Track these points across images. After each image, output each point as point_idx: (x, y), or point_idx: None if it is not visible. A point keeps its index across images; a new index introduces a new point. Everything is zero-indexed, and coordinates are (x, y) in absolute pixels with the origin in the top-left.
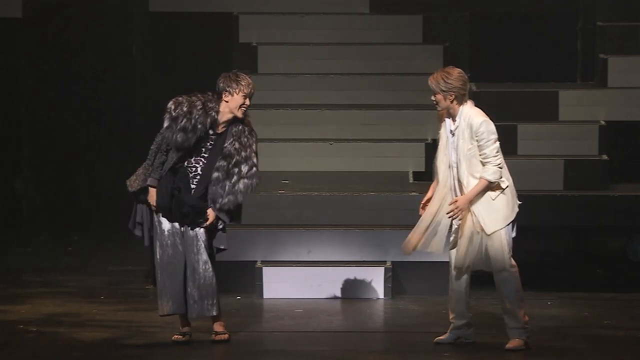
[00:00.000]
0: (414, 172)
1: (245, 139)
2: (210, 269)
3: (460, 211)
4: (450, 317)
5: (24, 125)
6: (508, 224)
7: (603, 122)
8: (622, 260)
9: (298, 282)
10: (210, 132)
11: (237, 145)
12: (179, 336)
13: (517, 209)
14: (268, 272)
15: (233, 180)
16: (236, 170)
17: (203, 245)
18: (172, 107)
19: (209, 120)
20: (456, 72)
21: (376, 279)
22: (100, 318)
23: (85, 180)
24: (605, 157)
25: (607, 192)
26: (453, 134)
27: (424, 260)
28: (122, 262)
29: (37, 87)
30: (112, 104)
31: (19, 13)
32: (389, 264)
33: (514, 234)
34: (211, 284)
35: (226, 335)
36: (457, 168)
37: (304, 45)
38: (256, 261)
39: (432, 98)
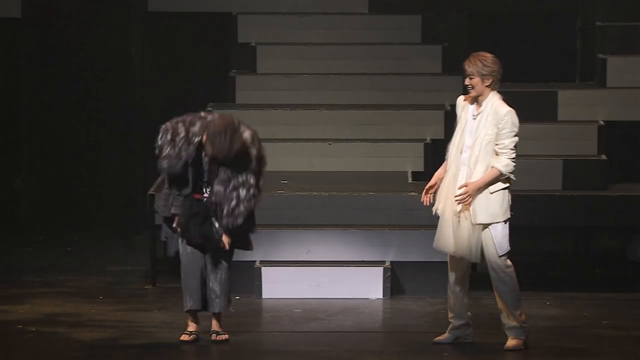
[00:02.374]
0: (412, 172)
1: (239, 162)
2: (227, 267)
3: (469, 196)
4: (449, 316)
5: (24, 125)
6: (497, 223)
7: (602, 122)
8: (621, 260)
9: (297, 282)
10: (205, 157)
11: (229, 172)
12: (186, 336)
13: (509, 214)
14: (267, 272)
15: (232, 204)
16: (235, 194)
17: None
18: (159, 135)
19: (191, 147)
20: (490, 55)
21: (375, 279)
22: (100, 318)
23: (85, 181)
24: (604, 157)
25: (606, 192)
26: (474, 118)
27: (423, 260)
28: (122, 262)
29: (37, 87)
30: (112, 104)
31: (18, 13)
32: (387, 264)
33: (506, 249)
34: (227, 280)
35: (225, 335)
36: (470, 151)
37: (303, 45)
38: (255, 261)
39: (468, 82)
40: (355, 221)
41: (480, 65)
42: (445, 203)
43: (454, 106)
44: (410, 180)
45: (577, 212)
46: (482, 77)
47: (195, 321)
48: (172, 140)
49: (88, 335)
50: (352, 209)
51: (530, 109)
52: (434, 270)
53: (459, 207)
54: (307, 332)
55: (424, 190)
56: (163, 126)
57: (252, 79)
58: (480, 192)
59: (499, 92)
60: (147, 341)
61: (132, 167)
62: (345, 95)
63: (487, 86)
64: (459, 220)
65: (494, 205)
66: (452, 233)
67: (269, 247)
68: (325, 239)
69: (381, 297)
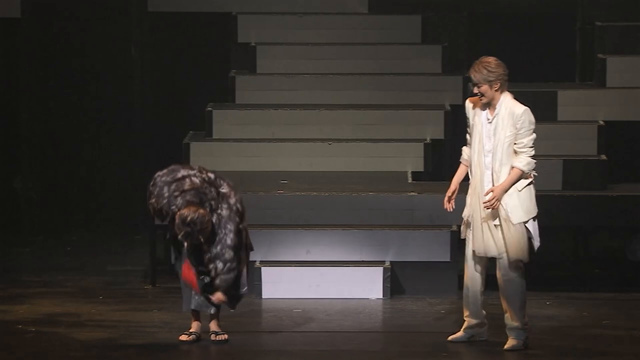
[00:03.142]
0: (412, 172)
1: (214, 236)
2: None
3: (497, 201)
4: (465, 314)
5: (24, 125)
6: (530, 220)
7: (602, 122)
8: (621, 260)
9: (297, 282)
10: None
11: (204, 246)
12: (185, 336)
13: (537, 209)
14: (267, 272)
15: (212, 274)
16: (212, 266)
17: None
18: (150, 182)
19: (170, 214)
20: (493, 59)
21: (375, 279)
22: (99, 318)
23: (85, 180)
24: (604, 157)
25: (605, 192)
26: (490, 122)
27: (423, 260)
28: (121, 262)
29: (37, 87)
30: (112, 104)
31: (18, 13)
32: (387, 264)
33: (538, 243)
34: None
35: (225, 336)
36: (492, 156)
37: (303, 45)
38: (255, 261)
39: (476, 90)
40: (355, 221)
41: (485, 73)
42: (473, 208)
43: (454, 106)
44: (410, 180)
45: (577, 212)
46: (490, 83)
47: (197, 321)
48: (158, 196)
49: (88, 335)
50: (352, 209)
51: (530, 109)
52: (434, 270)
53: (488, 212)
54: (307, 332)
55: (446, 198)
56: (154, 177)
57: (252, 79)
58: (509, 193)
59: (510, 91)
60: (146, 341)
61: (132, 167)
62: (345, 95)
63: (496, 90)
64: (495, 225)
65: (526, 202)
66: (484, 236)
67: (269, 247)
68: (325, 239)
69: (381, 297)
